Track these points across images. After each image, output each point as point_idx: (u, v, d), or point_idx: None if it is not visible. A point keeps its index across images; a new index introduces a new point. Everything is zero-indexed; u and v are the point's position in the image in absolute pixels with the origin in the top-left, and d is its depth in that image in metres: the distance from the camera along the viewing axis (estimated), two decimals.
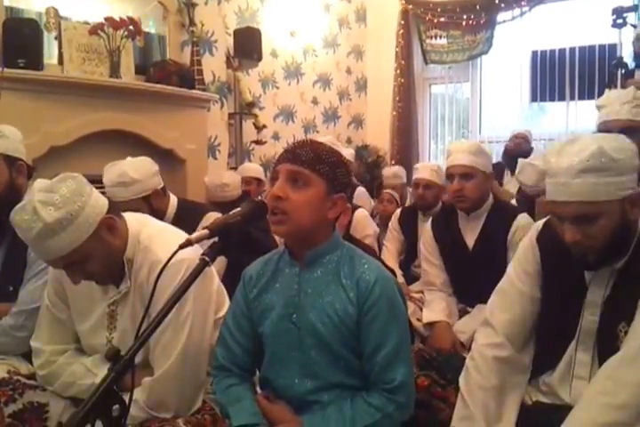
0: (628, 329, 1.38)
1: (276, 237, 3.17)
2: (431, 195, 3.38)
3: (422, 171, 3.44)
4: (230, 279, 1.89)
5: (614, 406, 1.27)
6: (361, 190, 4.24)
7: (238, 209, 1.35)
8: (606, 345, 1.41)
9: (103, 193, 1.63)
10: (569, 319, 1.51)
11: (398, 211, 3.64)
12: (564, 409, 1.39)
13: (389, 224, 3.64)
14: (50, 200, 1.45)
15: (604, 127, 2.18)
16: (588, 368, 1.47)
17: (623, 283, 1.43)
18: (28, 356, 1.85)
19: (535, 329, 1.61)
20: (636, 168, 1.39)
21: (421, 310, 2.78)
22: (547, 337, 1.59)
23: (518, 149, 4.67)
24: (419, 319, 2.73)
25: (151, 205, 2.48)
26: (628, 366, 1.30)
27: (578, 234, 1.38)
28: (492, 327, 1.60)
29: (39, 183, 1.52)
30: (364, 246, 2.18)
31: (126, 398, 1.07)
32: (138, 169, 2.46)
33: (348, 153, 3.94)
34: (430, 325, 2.62)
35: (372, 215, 3.95)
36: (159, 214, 2.47)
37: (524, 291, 1.59)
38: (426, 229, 2.86)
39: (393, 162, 6.03)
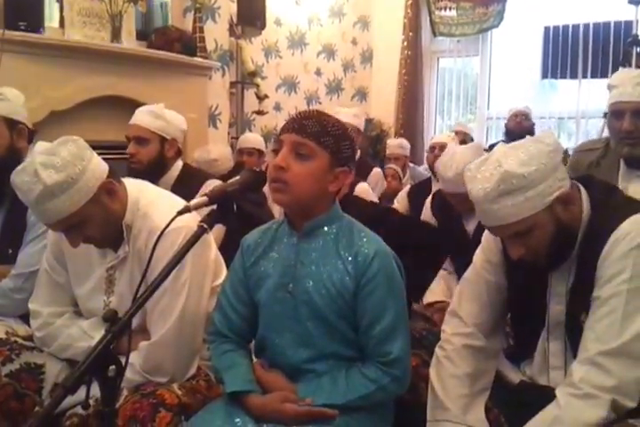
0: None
1: (274, 210, 3.18)
2: None
3: (439, 137, 3.78)
4: (228, 248, 1.89)
5: None
6: (376, 171, 4.03)
7: (237, 178, 1.35)
8: (576, 334, 1.42)
9: (104, 159, 1.62)
10: (536, 307, 1.51)
11: (407, 188, 3.65)
12: (550, 390, 1.41)
13: (395, 202, 3.62)
14: (50, 163, 1.45)
15: (615, 108, 2.14)
16: (562, 358, 1.48)
17: (581, 271, 1.43)
18: (26, 318, 1.87)
19: (507, 316, 1.62)
20: (557, 166, 1.35)
21: None
22: (518, 324, 1.61)
23: (520, 127, 4.66)
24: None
25: (162, 151, 2.51)
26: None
27: (520, 249, 1.39)
28: (459, 318, 1.60)
29: (40, 146, 1.52)
30: (368, 204, 2.20)
31: (123, 361, 1.08)
32: (173, 115, 2.61)
33: (359, 122, 3.85)
34: (430, 305, 2.62)
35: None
36: (161, 167, 2.52)
37: (489, 280, 1.58)
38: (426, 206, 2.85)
39: (397, 137, 5.97)
